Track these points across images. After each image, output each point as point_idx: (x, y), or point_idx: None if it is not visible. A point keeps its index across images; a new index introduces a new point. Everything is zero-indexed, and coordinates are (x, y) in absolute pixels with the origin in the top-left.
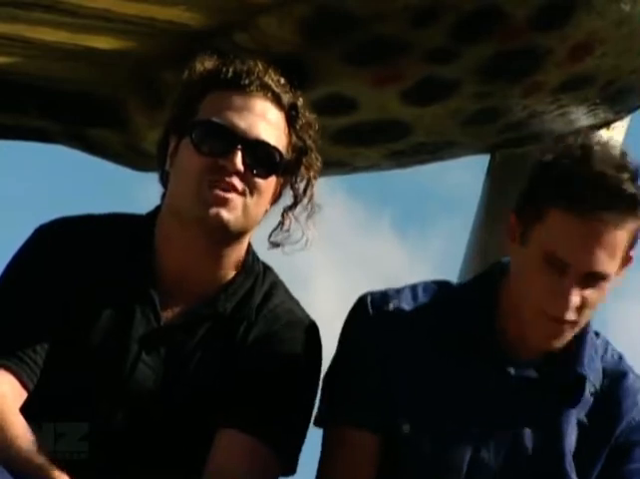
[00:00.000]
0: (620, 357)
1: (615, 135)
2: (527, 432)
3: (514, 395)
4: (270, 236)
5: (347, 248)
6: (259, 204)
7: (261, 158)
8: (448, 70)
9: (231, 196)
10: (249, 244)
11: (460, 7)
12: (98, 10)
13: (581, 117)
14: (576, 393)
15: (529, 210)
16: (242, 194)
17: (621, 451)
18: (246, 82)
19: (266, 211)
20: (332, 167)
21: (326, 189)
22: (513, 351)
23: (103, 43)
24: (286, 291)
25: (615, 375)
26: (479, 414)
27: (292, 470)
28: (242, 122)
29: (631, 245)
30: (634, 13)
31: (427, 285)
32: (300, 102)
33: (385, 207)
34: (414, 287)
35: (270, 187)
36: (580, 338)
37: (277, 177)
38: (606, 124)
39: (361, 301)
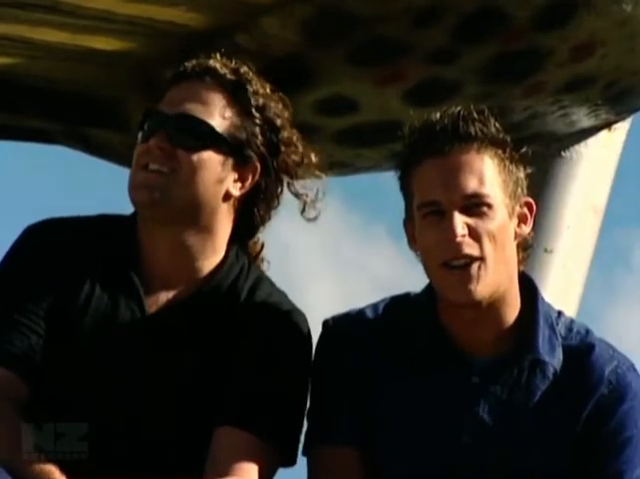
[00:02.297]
0: (587, 331)
1: (616, 136)
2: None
3: (481, 398)
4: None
5: (344, 256)
6: (193, 180)
7: (185, 130)
8: (449, 71)
9: (150, 176)
10: (230, 239)
11: (461, 8)
12: (99, 11)
13: (583, 118)
14: (536, 378)
15: (405, 195)
16: (168, 173)
17: (595, 429)
18: (190, 72)
19: (228, 194)
20: (334, 167)
21: (323, 194)
22: (469, 348)
23: (104, 44)
24: (272, 284)
25: (581, 351)
26: (448, 424)
27: (292, 460)
28: (171, 106)
29: (514, 184)
30: (636, 14)
31: (387, 302)
32: (255, 85)
33: (382, 213)
34: (375, 306)
35: (205, 162)
36: (531, 323)
37: (218, 154)
38: (608, 125)
39: (324, 326)
